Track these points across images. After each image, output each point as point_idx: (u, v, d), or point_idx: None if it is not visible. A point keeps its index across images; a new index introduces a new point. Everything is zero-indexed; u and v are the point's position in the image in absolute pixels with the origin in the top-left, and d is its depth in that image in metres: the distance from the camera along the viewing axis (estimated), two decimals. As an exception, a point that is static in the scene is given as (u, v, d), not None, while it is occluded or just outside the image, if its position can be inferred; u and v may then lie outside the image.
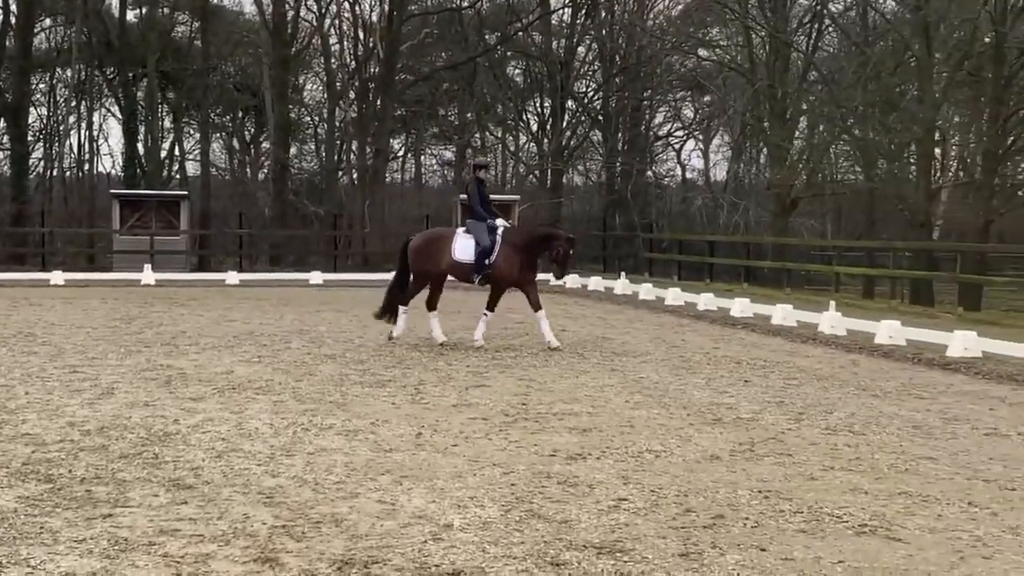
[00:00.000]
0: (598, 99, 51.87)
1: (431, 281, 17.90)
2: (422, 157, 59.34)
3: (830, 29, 42.84)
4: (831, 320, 20.87)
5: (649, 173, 52.76)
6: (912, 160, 38.07)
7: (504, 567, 6.28)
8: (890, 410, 12.10)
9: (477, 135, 54.17)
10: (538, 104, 52.81)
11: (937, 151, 40.03)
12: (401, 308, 17.89)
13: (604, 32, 49.88)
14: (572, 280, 33.70)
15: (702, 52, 48.13)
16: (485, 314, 17.63)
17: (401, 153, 57.97)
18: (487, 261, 17.41)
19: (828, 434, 10.56)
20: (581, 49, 51.40)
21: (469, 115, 53.71)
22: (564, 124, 50.02)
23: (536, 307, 17.40)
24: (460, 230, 17.91)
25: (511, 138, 55.49)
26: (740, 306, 24.33)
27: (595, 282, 32.91)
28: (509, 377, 13.95)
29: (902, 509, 7.74)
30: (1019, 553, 6.77)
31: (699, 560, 6.48)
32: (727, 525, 7.23)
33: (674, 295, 27.57)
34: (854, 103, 37.58)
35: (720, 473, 8.72)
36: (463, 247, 17.57)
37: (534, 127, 53.28)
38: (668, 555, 6.57)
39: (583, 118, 51.97)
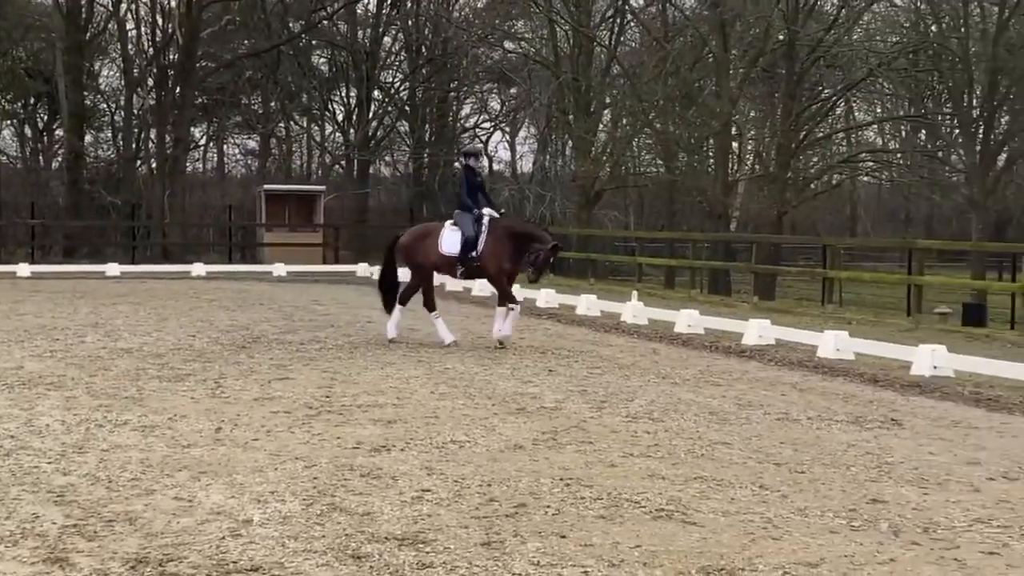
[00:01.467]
0: (405, 90, 51.77)
1: (424, 277, 17.26)
2: (224, 146, 58.24)
3: (632, 24, 43.67)
4: (633, 310, 21.30)
5: (456, 164, 52.90)
6: (710, 153, 39.09)
7: (304, 561, 6.21)
8: (688, 397, 12.40)
9: (281, 124, 53.46)
10: (344, 94, 52.42)
11: (734, 145, 41.18)
12: (398, 307, 17.26)
13: (410, 23, 49.82)
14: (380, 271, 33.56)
15: (508, 44, 48.51)
16: (511, 308, 16.77)
17: (203, 142, 56.80)
18: (472, 253, 16.78)
19: (629, 421, 10.76)
20: (387, 39, 51.27)
21: (273, 104, 52.95)
22: (370, 114, 49.79)
23: (506, 300, 16.89)
24: (447, 223, 17.25)
25: (316, 128, 54.92)
26: (546, 297, 24.62)
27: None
28: (313, 370, 13.81)
29: (697, 493, 7.94)
30: (807, 534, 7.01)
31: (500, 549, 6.52)
32: (529, 513, 7.30)
33: (480, 286, 27.71)
34: (655, 97, 38.40)
35: (523, 462, 8.80)
36: (450, 240, 16.94)
37: (340, 117, 52.89)
38: (470, 545, 6.59)
39: (390, 108, 51.80)
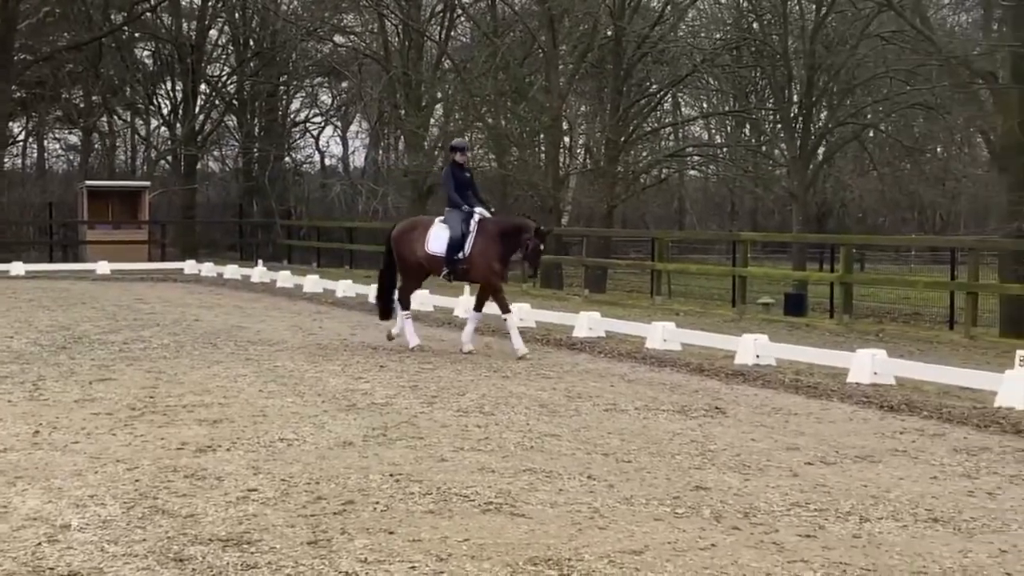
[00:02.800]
0: (232, 83, 50.92)
1: (409, 272, 16.46)
2: (45, 141, 56.43)
3: (462, 19, 43.76)
4: (467, 305, 21.31)
5: (287, 159, 52.32)
6: (542, 148, 39.40)
7: (124, 566, 6.08)
8: (519, 390, 12.49)
9: (104, 119, 52.05)
10: (169, 87, 51.28)
11: (565, 139, 41.58)
12: (403, 313, 16.36)
13: (237, 15, 49.00)
14: (208, 269, 33.03)
15: (338, 38, 48.06)
16: (505, 320, 15.88)
17: (21, 138, 54.94)
18: (459, 255, 15.76)
19: (460, 415, 10.79)
20: (213, 32, 50.29)
21: (95, 98, 51.47)
22: (197, 109, 48.80)
23: (479, 307, 16.23)
24: (438, 219, 16.27)
25: (141, 123, 53.63)
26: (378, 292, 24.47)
27: (231, 270, 32.28)
28: (137, 370, 13.50)
29: (526, 485, 8.01)
30: (632, 522, 7.13)
31: (327, 547, 6.48)
32: (357, 510, 7.27)
33: (312, 282, 27.46)
34: (485, 92, 38.53)
35: (352, 459, 8.76)
36: (437, 237, 15.98)
37: (166, 111, 51.73)
38: (296, 544, 6.54)
39: (217, 103, 50.89)
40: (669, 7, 37.11)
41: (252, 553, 6.35)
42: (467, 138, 46.11)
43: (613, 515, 7.29)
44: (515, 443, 9.51)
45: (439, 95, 43.72)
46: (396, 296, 16.52)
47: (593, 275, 32.07)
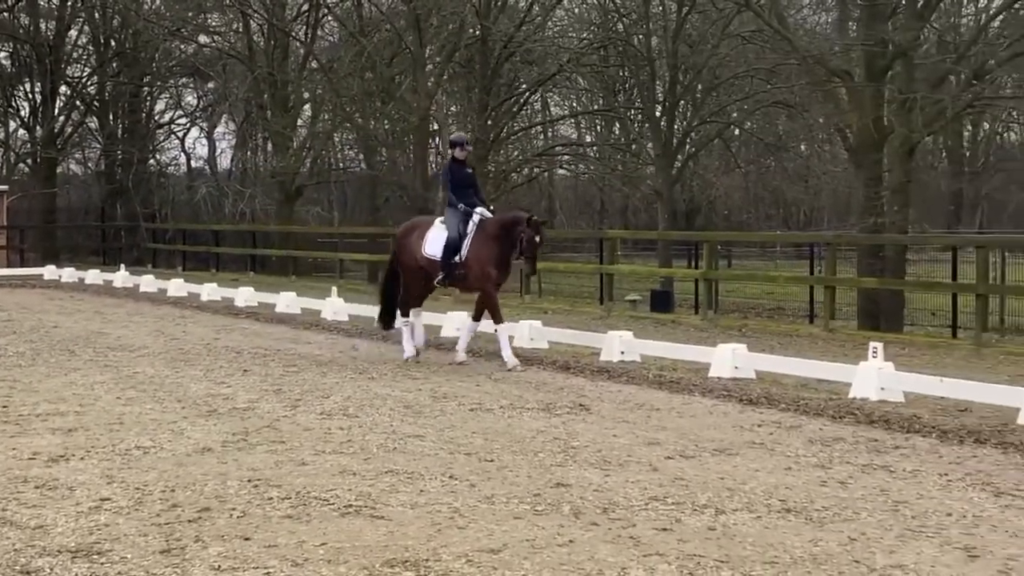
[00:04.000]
0: (93, 84, 49.81)
1: (409, 277, 15.36)
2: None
3: (328, 19, 43.37)
4: (334, 306, 21.21)
5: (152, 161, 51.33)
6: (411, 148, 39.27)
7: (-33, 582, 5.91)
8: (384, 391, 12.44)
9: (-40, 121, 50.55)
10: (28, 89, 49.95)
11: (435, 139, 41.54)
12: (401, 320, 15.45)
13: (96, 15, 47.96)
14: (68, 274, 32.28)
15: (202, 38, 47.28)
16: (495, 330, 14.70)
17: None
18: (455, 258, 14.59)
19: (323, 418, 10.72)
20: (73, 32, 49.15)
21: (-50, 100, 50.01)
22: (56, 111, 47.65)
23: (476, 316, 15.05)
24: (438, 220, 15.16)
25: (0, 125, 52.18)
26: (245, 295, 24.23)
27: (93, 275, 31.62)
28: (-9, 379, 13.14)
29: (387, 487, 7.98)
30: (492, 521, 7.15)
31: (181, 555, 6.38)
32: (213, 517, 7.17)
33: (177, 286, 27.05)
34: (353, 92, 38.33)
35: (211, 465, 8.64)
36: (434, 240, 14.84)
37: (25, 113, 50.39)
38: (148, 553, 6.43)
39: (78, 104, 49.74)
40: (535, 7, 37.29)
41: (102, 564, 6.23)
42: (335, 139, 46.07)
43: (473, 514, 7.31)
44: (378, 445, 9.47)
45: (306, 95, 43.37)
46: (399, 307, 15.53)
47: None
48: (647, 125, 37.51)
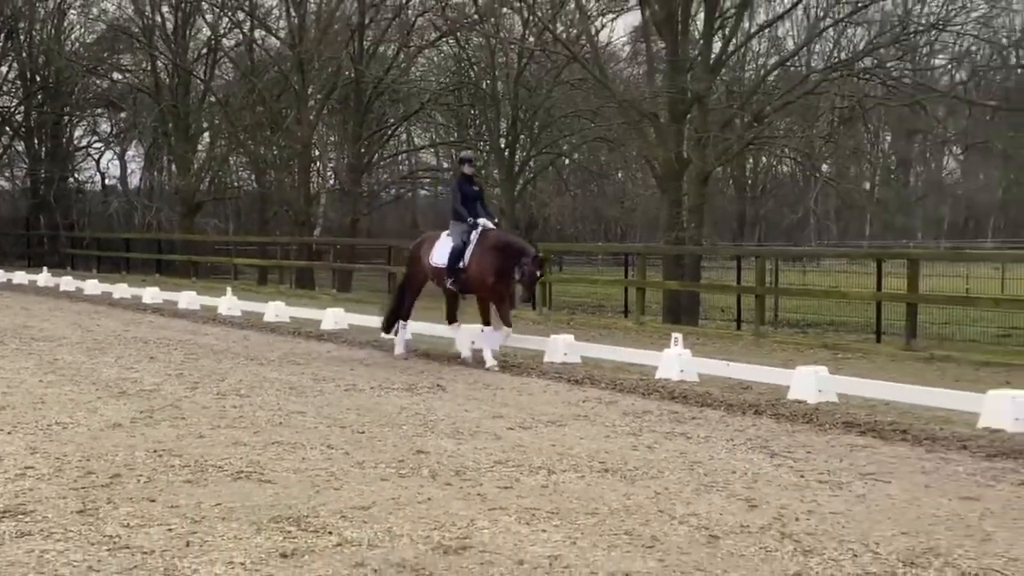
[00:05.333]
0: (20, 113, 47.92)
1: (413, 283, 14.40)
2: None
3: (224, 60, 42.49)
4: (228, 303, 20.77)
5: (71, 179, 49.56)
6: (295, 171, 38.71)
7: (-97, 542, 5.62)
8: (272, 375, 12.23)
9: None
10: (-38, 117, 47.79)
11: (316, 163, 41.15)
12: (400, 324, 14.48)
13: (24, 54, 46.18)
14: (-4, 275, 30.99)
15: (115, 75, 45.88)
16: (482, 330, 13.70)
17: None
18: (459, 264, 13.57)
19: (219, 398, 10.49)
20: (3, 68, 47.21)
21: None
22: (-13, 135, 45.71)
23: (487, 322, 13.65)
24: (444, 233, 14.08)
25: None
26: (151, 294, 23.57)
27: (20, 276, 30.44)
28: (-75, 366, 12.54)
29: (274, 456, 7.84)
30: (363, 483, 7.08)
31: (95, 515, 6.18)
32: (123, 483, 6.96)
33: (92, 286, 26.18)
34: (245, 122, 37.68)
35: (121, 438, 8.38)
36: (441, 250, 13.83)
37: (-41, 138, 48.18)
38: (67, 513, 6.21)
39: (7, 129, 47.78)
40: (401, 55, 37.16)
41: (27, 522, 6.00)
42: (230, 162, 45.09)
43: (347, 477, 7.23)
44: (266, 420, 9.30)
45: (205, 125, 42.45)
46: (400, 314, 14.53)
47: (341, 278, 31.80)
48: (493, 155, 37.65)
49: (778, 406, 10.26)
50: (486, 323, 13.45)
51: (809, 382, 10.53)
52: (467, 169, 14.01)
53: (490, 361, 13.05)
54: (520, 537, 5.89)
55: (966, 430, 8.99)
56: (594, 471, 7.50)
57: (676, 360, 12.06)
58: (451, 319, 14.35)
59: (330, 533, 5.91)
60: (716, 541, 5.85)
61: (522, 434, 8.85)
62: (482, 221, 13.65)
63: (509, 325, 13.51)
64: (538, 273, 13.36)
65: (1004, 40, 27.06)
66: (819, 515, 6.39)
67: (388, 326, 14.62)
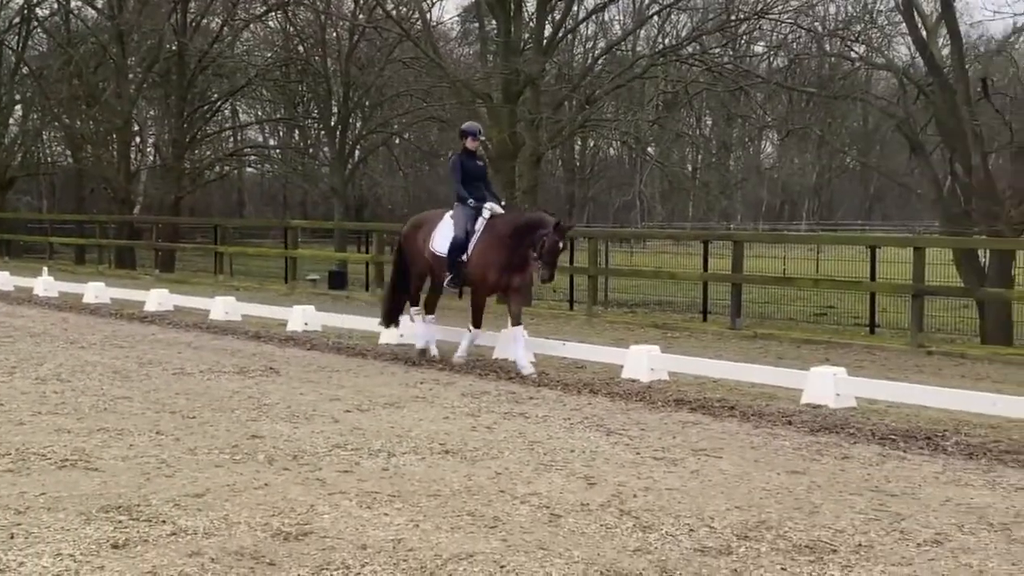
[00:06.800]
0: None
1: (419, 275, 12.34)
2: None
3: (38, 30, 40.48)
4: (45, 284, 19.86)
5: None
6: (114, 146, 37.24)
7: None
8: (94, 359, 11.76)
9: None
10: None
11: (136, 139, 39.72)
12: (413, 309, 12.42)
13: None
14: None
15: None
16: (469, 329, 11.82)
17: None
18: (461, 256, 11.57)
19: (38, 383, 10.01)
20: None
21: None
22: None
23: (514, 320, 11.43)
24: (447, 214, 11.99)
25: None
26: (-42, 274, 22.29)
27: None
28: None
29: (100, 443, 7.54)
30: (196, 470, 6.88)
31: (-95, 511, 5.80)
32: (-65, 475, 6.56)
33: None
34: (61, 96, 36.01)
35: (-69, 428, 7.90)
36: (443, 237, 11.78)
37: None
38: None
39: None
40: (226, 28, 36.15)
41: None
42: (44, 136, 43.04)
43: (179, 464, 7.01)
44: (90, 406, 8.93)
45: (17, 97, 40.36)
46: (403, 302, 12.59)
47: (164, 257, 30.81)
48: (324, 133, 37.12)
49: (612, 385, 10.45)
50: (476, 324, 11.75)
51: (642, 361, 10.77)
52: (470, 143, 11.93)
53: (527, 368, 10.99)
54: (362, 521, 5.83)
55: (791, 406, 9.37)
56: (434, 453, 7.48)
57: (511, 341, 12.09)
58: (425, 306, 12.51)
59: (163, 522, 5.72)
60: (558, 519, 5.92)
61: (360, 417, 8.76)
62: (489, 205, 11.66)
63: (519, 323, 11.40)
64: (560, 245, 11.33)
65: (820, 28, 28.14)
66: (656, 491, 6.54)
67: (388, 320, 12.67)
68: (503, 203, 12.10)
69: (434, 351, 12.20)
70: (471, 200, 11.64)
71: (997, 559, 5.35)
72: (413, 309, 12.46)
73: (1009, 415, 8.60)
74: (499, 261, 11.40)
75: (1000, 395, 9.18)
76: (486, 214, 11.60)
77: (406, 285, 12.44)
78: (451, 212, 11.91)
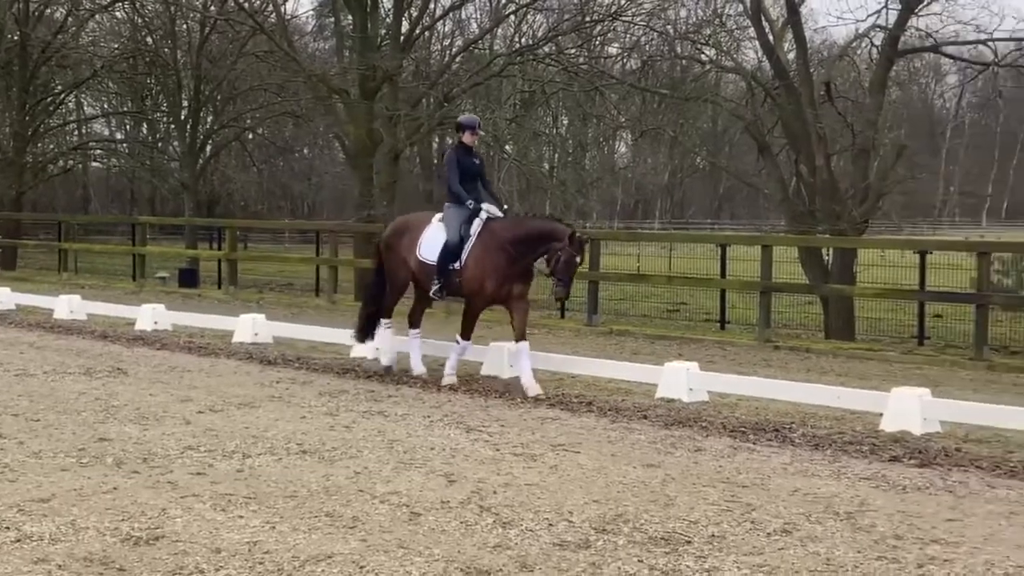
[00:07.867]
0: None
1: (400, 287, 11.03)
2: None
3: None
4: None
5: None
6: (-51, 138, 35.51)
7: None
8: (-72, 361, 11.19)
9: None
10: None
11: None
12: (383, 321, 11.05)
13: None
14: None
15: None
16: (457, 341, 10.51)
17: None
18: (454, 264, 10.34)
19: None
20: None
21: None
22: None
23: (519, 336, 10.23)
24: (436, 217, 10.78)
25: None
26: None
27: None
28: None
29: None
30: (41, 474, 6.63)
31: None
32: None
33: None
34: None
35: None
36: (432, 241, 10.51)
37: None
38: None
39: None
40: (71, 18, 34.86)
41: None
42: None
43: (23, 468, 6.73)
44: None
45: None
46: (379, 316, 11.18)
47: (5, 254, 29.54)
48: (174, 127, 36.15)
49: (471, 382, 10.47)
50: (465, 336, 10.49)
51: (502, 358, 10.81)
52: (467, 138, 10.73)
53: (533, 388, 9.87)
54: (216, 524, 5.70)
55: (646, 400, 9.55)
56: (291, 453, 7.37)
57: (376, 340, 11.97)
58: (409, 319, 11.22)
59: (7, 528, 5.49)
60: (418, 518, 5.90)
61: (213, 417, 8.57)
62: (486, 207, 10.50)
63: (524, 338, 10.24)
64: (578, 260, 10.24)
65: (671, 31, 28.78)
66: (515, 487, 6.58)
67: (362, 334, 11.37)
68: (504, 207, 10.93)
69: (395, 366, 11.00)
70: (470, 201, 10.48)
71: (843, 547, 5.56)
72: (384, 322, 11.15)
73: (852, 407, 8.96)
74: (498, 269, 10.22)
75: (843, 388, 9.57)
76: (483, 216, 10.47)
77: (382, 298, 11.17)
78: (440, 215, 10.77)
